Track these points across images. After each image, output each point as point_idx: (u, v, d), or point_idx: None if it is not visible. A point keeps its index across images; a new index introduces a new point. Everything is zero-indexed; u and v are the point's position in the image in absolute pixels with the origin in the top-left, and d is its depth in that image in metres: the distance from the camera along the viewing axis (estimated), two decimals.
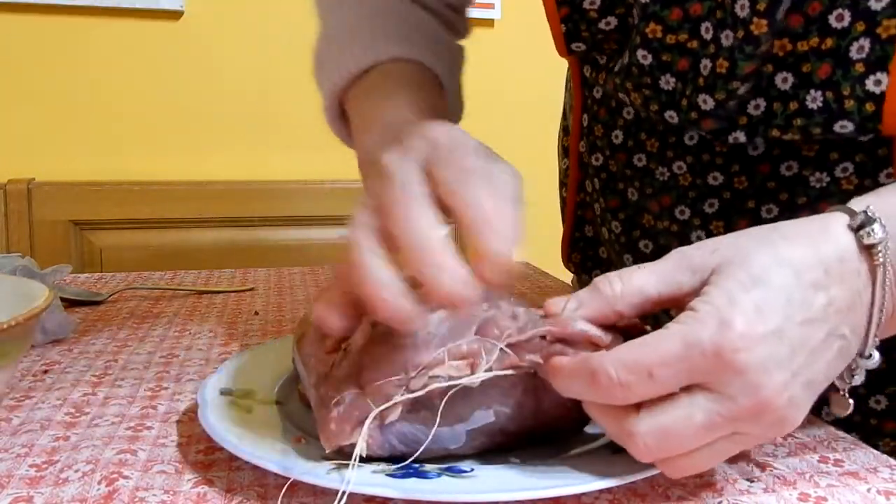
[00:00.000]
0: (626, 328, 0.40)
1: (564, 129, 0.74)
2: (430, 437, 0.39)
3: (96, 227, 1.42)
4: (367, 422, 0.37)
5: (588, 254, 0.73)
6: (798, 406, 0.36)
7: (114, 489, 0.39)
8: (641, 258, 0.63)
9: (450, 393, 0.38)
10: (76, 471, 0.41)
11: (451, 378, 0.38)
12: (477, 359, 0.38)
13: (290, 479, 0.37)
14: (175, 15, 1.47)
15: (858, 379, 0.40)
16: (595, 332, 0.39)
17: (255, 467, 0.40)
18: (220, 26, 1.53)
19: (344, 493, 0.35)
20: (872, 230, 0.37)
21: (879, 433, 0.55)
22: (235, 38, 1.54)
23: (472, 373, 0.38)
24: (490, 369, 0.38)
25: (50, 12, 1.42)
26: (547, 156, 0.95)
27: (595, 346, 0.39)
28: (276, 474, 0.39)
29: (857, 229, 0.38)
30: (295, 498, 0.39)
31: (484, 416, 0.40)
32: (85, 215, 1.41)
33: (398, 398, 0.38)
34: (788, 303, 0.35)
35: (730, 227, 0.56)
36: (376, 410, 0.37)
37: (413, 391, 0.38)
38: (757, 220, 0.54)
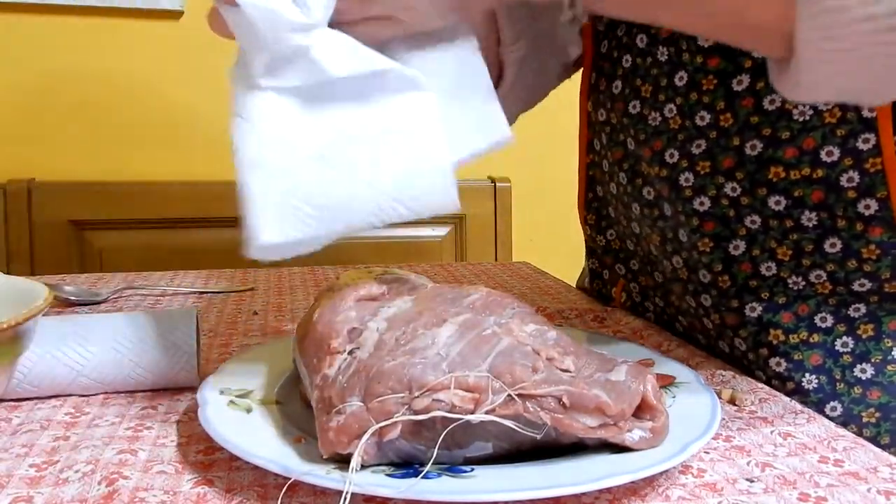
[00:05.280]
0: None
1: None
2: (427, 458, 0.39)
3: (96, 227, 1.41)
4: (365, 437, 0.37)
5: (602, 213, 0.75)
6: None
7: (114, 489, 0.39)
8: (647, 206, 0.64)
9: (452, 425, 0.38)
10: (76, 471, 0.41)
11: (453, 406, 0.38)
12: (483, 395, 0.38)
13: (290, 479, 0.37)
14: (175, 15, 1.46)
15: None
16: (606, 399, 0.39)
17: (255, 467, 0.40)
18: None
19: (346, 494, 0.35)
20: None
21: (864, 403, 0.56)
22: None
23: (475, 408, 0.38)
24: (493, 410, 0.38)
25: (50, 12, 1.41)
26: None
27: (603, 413, 0.39)
28: (276, 474, 0.39)
29: None
30: (295, 498, 0.39)
31: (482, 447, 0.40)
32: (85, 215, 1.40)
33: (398, 417, 0.37)
34: None
35: (715, 168, 0.57)
36: (375, 427, 0.37)
37: (415, 411, 0.38)
38: (741, 157, 0.56)
